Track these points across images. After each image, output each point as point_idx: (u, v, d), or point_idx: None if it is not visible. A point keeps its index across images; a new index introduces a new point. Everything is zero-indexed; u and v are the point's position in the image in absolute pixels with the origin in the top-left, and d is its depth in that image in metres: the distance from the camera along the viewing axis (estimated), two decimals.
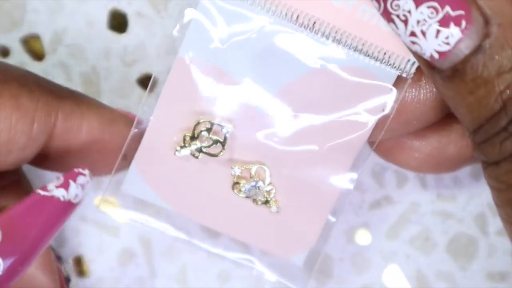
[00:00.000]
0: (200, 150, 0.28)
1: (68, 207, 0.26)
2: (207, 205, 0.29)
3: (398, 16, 0.23)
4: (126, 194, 0.29)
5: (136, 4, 0.34)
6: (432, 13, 0.23)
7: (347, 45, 0.26)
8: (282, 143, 0.28)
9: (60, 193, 0.26)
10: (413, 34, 0.23)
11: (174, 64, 0.27)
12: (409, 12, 0.23)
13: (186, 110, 0.28)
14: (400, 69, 0.26)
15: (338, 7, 0.25)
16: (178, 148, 0.28)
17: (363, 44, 0.26)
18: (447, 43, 0.23)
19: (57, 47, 0.34)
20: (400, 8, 0.23)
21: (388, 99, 0.27)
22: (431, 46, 0.23)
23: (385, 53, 0.26)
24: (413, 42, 0.24)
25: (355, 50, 0.26)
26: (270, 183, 0.28)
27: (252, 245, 0.30)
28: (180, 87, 0.27)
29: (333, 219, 0.29)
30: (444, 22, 0.23)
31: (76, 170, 0.27)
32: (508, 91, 0.23)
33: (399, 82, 0.27)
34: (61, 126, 0.28)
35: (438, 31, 0.23)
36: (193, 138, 0.28)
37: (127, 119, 0.29)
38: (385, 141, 0.30)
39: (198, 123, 0.28)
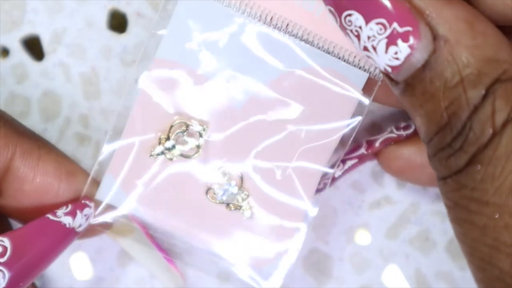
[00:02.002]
0: (175, 151, 0.28)
1: (71, 234, 0.28)
2: (181, 213, 0.29)
3: (351, 31, 0.24)
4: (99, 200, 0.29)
5: (135, 4, 0.34)
6: (380, 29, 0.23)
7: (318, 47, 0.27)
8: (256, 145, 0.28)
9: (67, 220, 0.28)
10: (365, 49, 0.24)
11: (150, 66, 0.27)
12: (360, 28, 0.23)
13: (161, 113, 0.28)
14: (370, 72, 0.27)
15: (309, 13, 0.26)
16: (153, 149, 0.28)
17: (334, 47, 0.27)
18: (397, 58, 0.23)
19: (57, 47, 0.34)
20: (352, 24, 0.23)
21: (360, 100, 0.27)
22: (382, 61, 0.23)
23: (355, 56, 0.27)
24: (368, 56, 0.24)
25: (326, 52, 0.27)
26: (244, 188, 0.28)
27: (225, 256, 0.30)
28: (155, 90, 0.27)
29: (304, 225, 0.29)
30: (392, 38, 0.23)
31: (83, 201, 0.29)
32: (452, 107, 0.22)
33: (370, 83, 0.27)
34: (17, 163, 0.28)
35: (387, 47, 0.23)
36: (168, 139, 0.28)
37: (86, 175, 0.29)
38: (395, 161, 0.31)
39: (173, 125, 0.28)
